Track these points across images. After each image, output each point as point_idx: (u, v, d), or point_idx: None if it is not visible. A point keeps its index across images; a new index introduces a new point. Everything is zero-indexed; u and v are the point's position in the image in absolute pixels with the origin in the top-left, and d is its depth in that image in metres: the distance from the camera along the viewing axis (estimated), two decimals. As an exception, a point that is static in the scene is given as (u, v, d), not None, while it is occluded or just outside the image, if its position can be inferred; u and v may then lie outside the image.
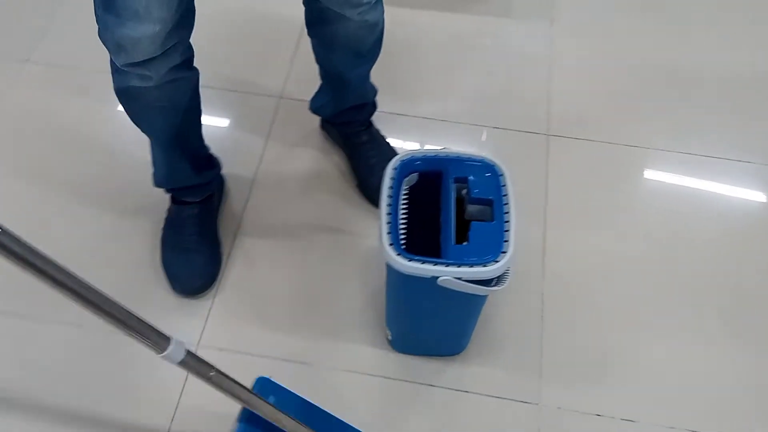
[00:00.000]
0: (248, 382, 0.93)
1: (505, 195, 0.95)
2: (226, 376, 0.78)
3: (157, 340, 0.68)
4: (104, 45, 0.92)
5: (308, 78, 1.33)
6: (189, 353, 0.71)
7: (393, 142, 1.40)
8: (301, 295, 1.25)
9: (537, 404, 1.15)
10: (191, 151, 1.20)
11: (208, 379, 0.76)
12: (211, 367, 0.76)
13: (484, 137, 1.45)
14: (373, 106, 1.34)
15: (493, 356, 1.19)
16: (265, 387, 0.99)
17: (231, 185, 1.37)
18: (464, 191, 0.98)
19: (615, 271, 1.29)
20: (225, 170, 1.34)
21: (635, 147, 1.46)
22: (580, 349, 1.21)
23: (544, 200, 1.36)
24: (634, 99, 1.53)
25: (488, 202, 0.95)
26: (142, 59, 0.91)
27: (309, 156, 1.42)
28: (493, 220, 0.94)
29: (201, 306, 1.24)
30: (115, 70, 0.97)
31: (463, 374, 1.18)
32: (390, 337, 1.18)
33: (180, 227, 1.26)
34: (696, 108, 1.51)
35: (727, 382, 1.18)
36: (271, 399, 0.90)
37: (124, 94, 1.01)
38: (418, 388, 1.16)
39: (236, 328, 1.22)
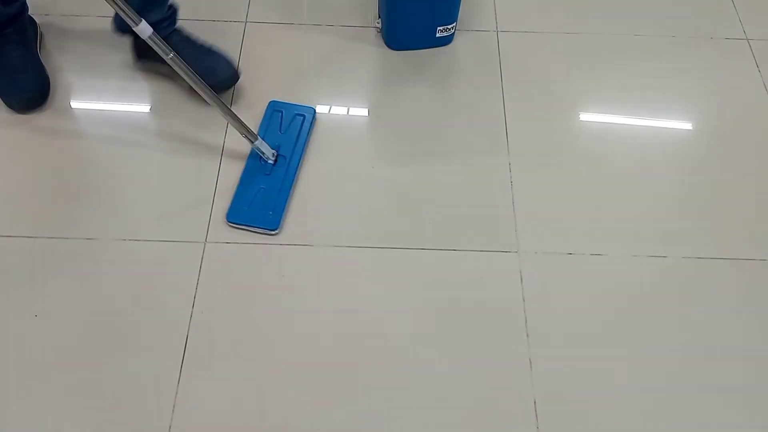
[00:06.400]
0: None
1: None
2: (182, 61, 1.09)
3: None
4: None
5: None
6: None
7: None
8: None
9: (516, 252, 1.29)
10: None
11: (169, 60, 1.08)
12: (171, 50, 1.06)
13: None
14: (173, 7, 1.39)
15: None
16: (275, 106, 1.43)
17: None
18: None
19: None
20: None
21: None
22: (547, 204, 1.36)
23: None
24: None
25: None
26: None
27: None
28: None
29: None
30: None
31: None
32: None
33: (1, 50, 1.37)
34: None
35: (677, 211, 1.36)
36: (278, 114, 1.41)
37: None
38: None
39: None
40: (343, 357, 1.17)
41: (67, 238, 1.26)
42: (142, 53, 1.44)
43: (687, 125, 1.50)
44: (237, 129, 1.26)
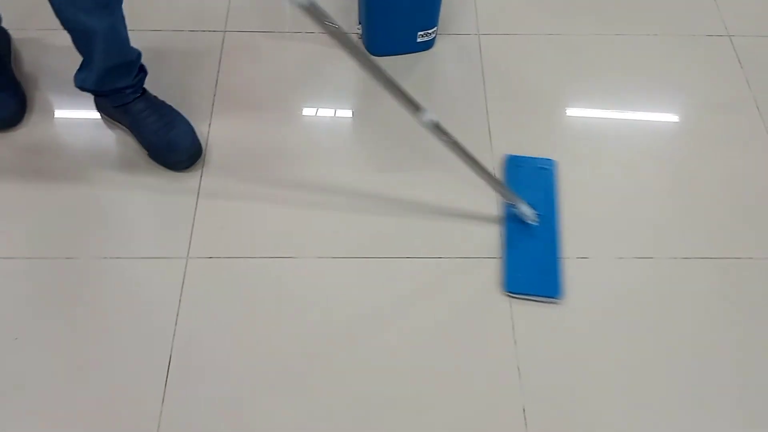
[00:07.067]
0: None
1: None
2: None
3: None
4: None
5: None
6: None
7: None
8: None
9: (501, 257, 1.28)
10: None
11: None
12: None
13: None
14: (141, 71, 1.34)
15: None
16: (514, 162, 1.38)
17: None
18: None
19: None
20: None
21: None
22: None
23: None
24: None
25: None
26: None
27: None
28: None
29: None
30: None
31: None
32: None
33: None
34: None
35: (662, 212, 1.35)
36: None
37: None
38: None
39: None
40: (330, 369, 1.16)
41: (46, 258, 1.25)
42: (101, 108, 1.40)
43: (671, 124, 1.50)
44: (503, 196, 1.25)
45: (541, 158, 1.39)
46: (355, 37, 1.58)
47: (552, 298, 1.22)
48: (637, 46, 1.61)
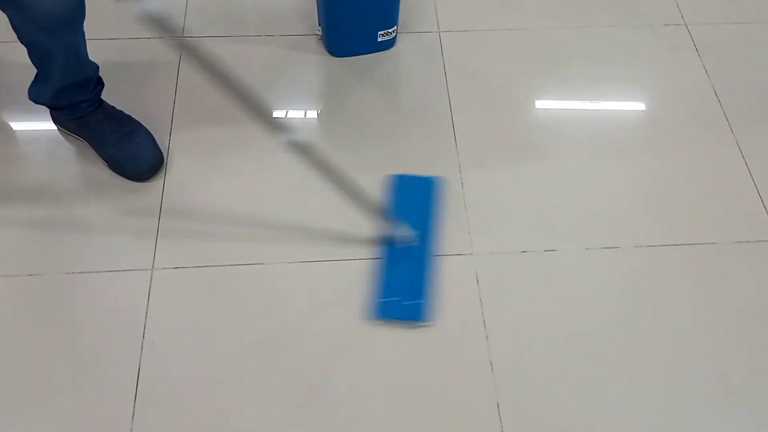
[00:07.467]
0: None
1: None
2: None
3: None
4: None
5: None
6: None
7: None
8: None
9: (471, 254, 1.29)
10: None
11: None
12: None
13: None
14: (98, 83, 1.31)
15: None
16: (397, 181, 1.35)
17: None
18: None
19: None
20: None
21: None
22: (499, 202, 1.36)
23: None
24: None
25: None
26: None
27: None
28: None
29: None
30: None
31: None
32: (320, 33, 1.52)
33: None
34: None
35: (626, 201, 1.37)
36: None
37: None
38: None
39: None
40: (300, 375, 1.15)
41: (8, 276, 1.22)
42: (57, 121, 1.37)
43: (633, 114, 1.51)
44: (377, 219, 1.21)
45: (425, 177, 1.35)
46: (315, 39, 1.57)
47: (422, 322, 1.19)
48: (597, 38, 1.62)
